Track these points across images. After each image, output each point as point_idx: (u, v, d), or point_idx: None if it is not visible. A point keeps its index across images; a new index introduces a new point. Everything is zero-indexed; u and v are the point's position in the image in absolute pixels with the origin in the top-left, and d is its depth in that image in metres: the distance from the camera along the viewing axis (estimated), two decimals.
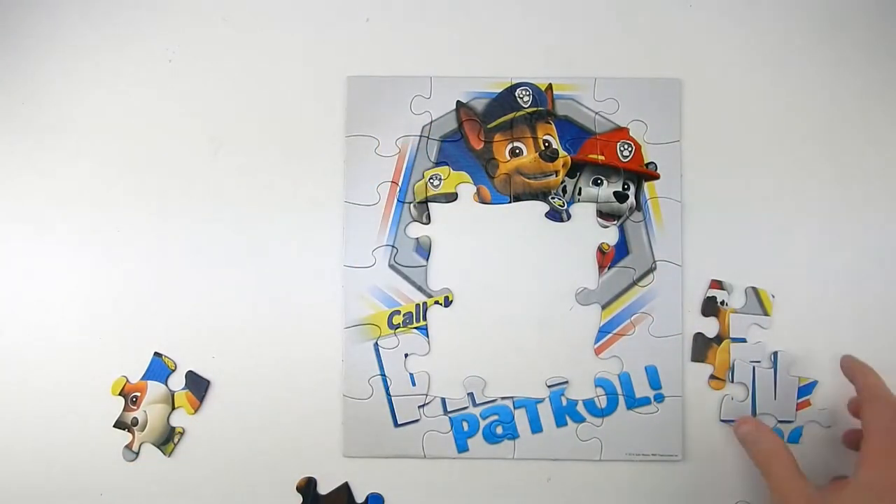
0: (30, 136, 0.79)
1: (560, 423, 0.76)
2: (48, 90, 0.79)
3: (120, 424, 0.78)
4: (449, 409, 0.77)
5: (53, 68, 0.80)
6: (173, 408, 0.78)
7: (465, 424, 0.77)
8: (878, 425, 0.66)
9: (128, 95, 0.80)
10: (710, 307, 0.77)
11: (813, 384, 0.77)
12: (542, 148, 0.78)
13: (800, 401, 0.77)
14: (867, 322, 0.77)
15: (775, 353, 0.77)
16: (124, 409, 0.78)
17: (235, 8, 0.80)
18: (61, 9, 0.80)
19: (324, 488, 0.77)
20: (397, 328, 0.77)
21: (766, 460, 0.69)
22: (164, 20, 0.80)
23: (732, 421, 0.76)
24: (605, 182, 0.78)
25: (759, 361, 0.77)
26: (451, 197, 0.78)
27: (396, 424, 0.77)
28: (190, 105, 0.80)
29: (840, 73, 0.79)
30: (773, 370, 0.77)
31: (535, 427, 0.76)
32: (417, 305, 0.77)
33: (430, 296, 0.77)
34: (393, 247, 0.77)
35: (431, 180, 0.78)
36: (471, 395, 0.77)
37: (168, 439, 0.78)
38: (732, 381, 0.77)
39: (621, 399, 0.76)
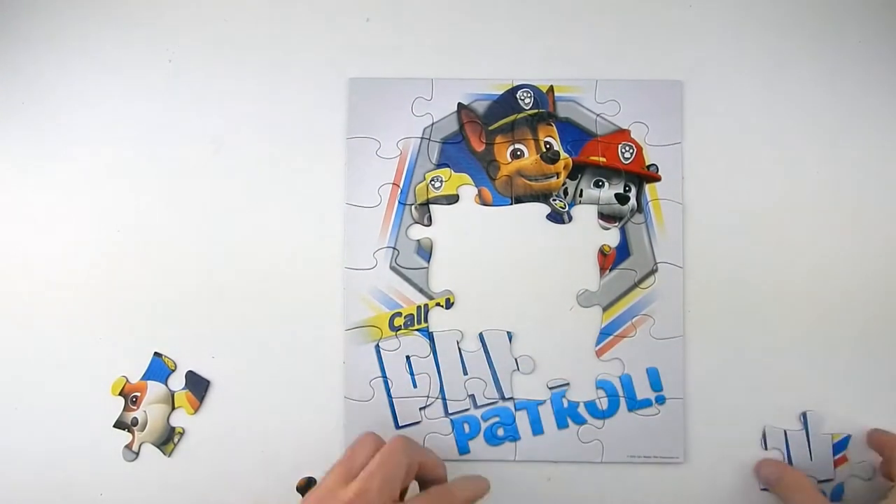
0: (29, 136, 0.79)
1: (561, 424, 0.77)
2: (48, 90, 0.79)
3: (120, 424, 0.78)
4: (450, 411, 0.77)
5: (53, 68, 0.79)
6: (173, 408, 0.78)
7: (466, 426, 0.77)
8: None
9: (128, 95, 0.79)
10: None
11: (846, 438, 0.76)
12: (544, 150, 0.78)
13: (836, 457, 0.76)
14: (869, 329, 0.78)
15: (804, 414, 0.77)
16: (124, 409, 0.78)
17: (235, 8, 0.80)
18: (61, 9, 0.80)
19: None
20: (398, 330, 0.77)
21: (790, 493, 0.72)
22: (164, 20, 0.80)
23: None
24: (606, 184, 0.78)
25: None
26: (453, 199, 0.78)
27: (398, 426, 0.77)
28: (190, 105, 0.79)
29: (840, 73, 0.79)
30: (804, 431, 0.77)
31: (537, 429, 0.77)
32: (419, 307, 0.77)
33: (431, 298, 0.77)
34: (394, 249, 0.77)
35: (433, 182, 0.78)
36: (472, 396, 0.77)
37: (168, 439, 0.78)
38: (766, 448, 0.77)
39: (622, 401, 0.77)
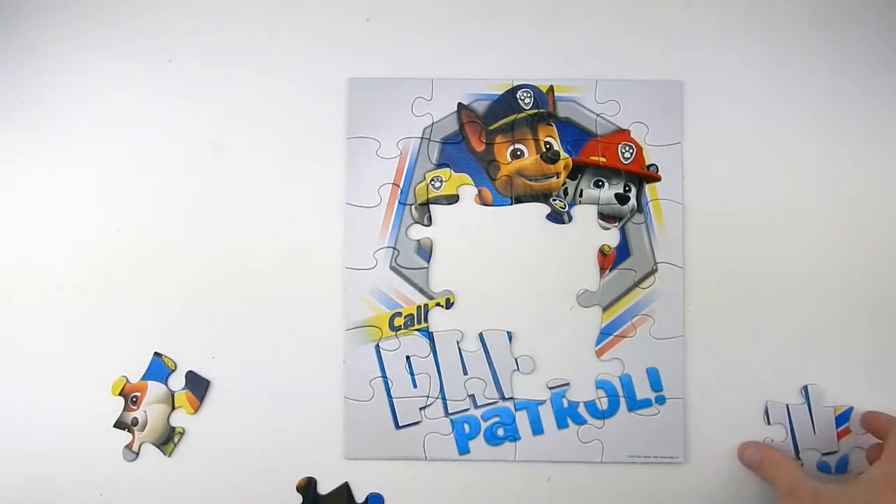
0: (30, 136, 0.79)
1: (561, 424, 0.77)
2: (48, 90, 0.79)
3: (120, 424, 0.78)
4: (450, 411, 0.77)
5: (53, 68, 0.79)
6: (173, 408, 0.78)
7: (466, 426, 0.77)
8: None
9: (128, 95, 0.79)
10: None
11: (849, 411, 0.76)
12: (544, 150, 0.78)
13: (839, 430, 0.76)
14: (871, 325, 0.78)
15: (805, 388, 0.77)
16: (124, 409, 0.78)
17: (235, 8, 0.80)
18: (61, 9, 0.80)
19: (324, 488, 0.77)
20: (398, 330, 0.77)
21: (770, 471, 0.72)
22: (164, 20, 0.80)
23: None
24: (606, 184, 0.78)
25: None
26: (453, 199, 0.78)
27: (397, 426, 0.77)
28: (190, 105, 0.79)
29: (840, 73, 0.79)
30: (806, 405, 0.77)
31: (537, 429, 0.77)
32: (419, 307, 0.77)
33: (431, 297, 0.77)
34: (394, 248, 0.77)
35: (433, 182, 0.78)
36: (472, 396, 0.77)
37: (168, 439, 0.78)
38: (769, 424, 0.77)
39: (622, 401, 0.77)
